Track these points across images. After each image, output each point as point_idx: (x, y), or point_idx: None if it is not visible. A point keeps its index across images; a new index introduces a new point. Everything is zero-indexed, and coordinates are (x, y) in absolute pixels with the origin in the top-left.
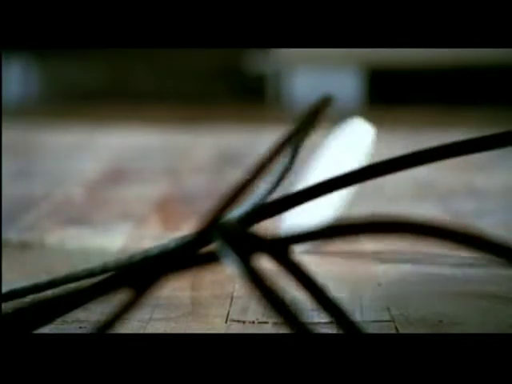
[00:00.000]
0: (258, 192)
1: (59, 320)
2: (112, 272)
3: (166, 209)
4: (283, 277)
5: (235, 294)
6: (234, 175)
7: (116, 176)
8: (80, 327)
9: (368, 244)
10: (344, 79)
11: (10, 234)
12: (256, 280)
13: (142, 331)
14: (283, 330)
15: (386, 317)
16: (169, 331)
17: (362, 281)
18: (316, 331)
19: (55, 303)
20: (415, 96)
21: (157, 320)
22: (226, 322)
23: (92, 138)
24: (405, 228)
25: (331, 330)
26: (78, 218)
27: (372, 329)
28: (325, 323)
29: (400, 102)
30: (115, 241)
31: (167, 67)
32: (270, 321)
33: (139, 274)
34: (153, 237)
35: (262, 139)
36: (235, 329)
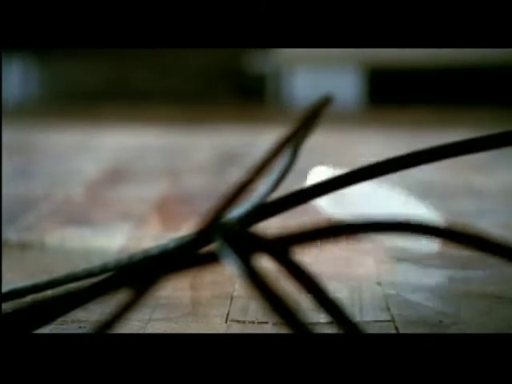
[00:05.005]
0: (258, 192)
1: (59, 320)
2: (112, 272)
3: (165, 209)
4: (283, 277)
5: (235, 293)
6: (234, 175)
7: (116, 176)
8: (80, 327)
9: (368, 244)
10: (344, 79)
11: (9, 234)
12: (256, 280)
13: (142, 331)
14: (283, 330)
15: (386, 317)
16: (169, 331)
17: (362, 281)
18: (316, 331)
19: (55, 303)
20: (415, 96)
21: (157, 320)
22: (226, 322)
23: (92, 138)
24: (404, 228)
25: (331, 329)
26: (78, 218)
27: (372, 329)
28: (325, 323)
29: (400, 102)
30: (115, 241)
31: (167, 67)
32: (270, 321)
33: (139, 274)
34: (153, 237)
35: (262, 139)
36: (235, 329)
